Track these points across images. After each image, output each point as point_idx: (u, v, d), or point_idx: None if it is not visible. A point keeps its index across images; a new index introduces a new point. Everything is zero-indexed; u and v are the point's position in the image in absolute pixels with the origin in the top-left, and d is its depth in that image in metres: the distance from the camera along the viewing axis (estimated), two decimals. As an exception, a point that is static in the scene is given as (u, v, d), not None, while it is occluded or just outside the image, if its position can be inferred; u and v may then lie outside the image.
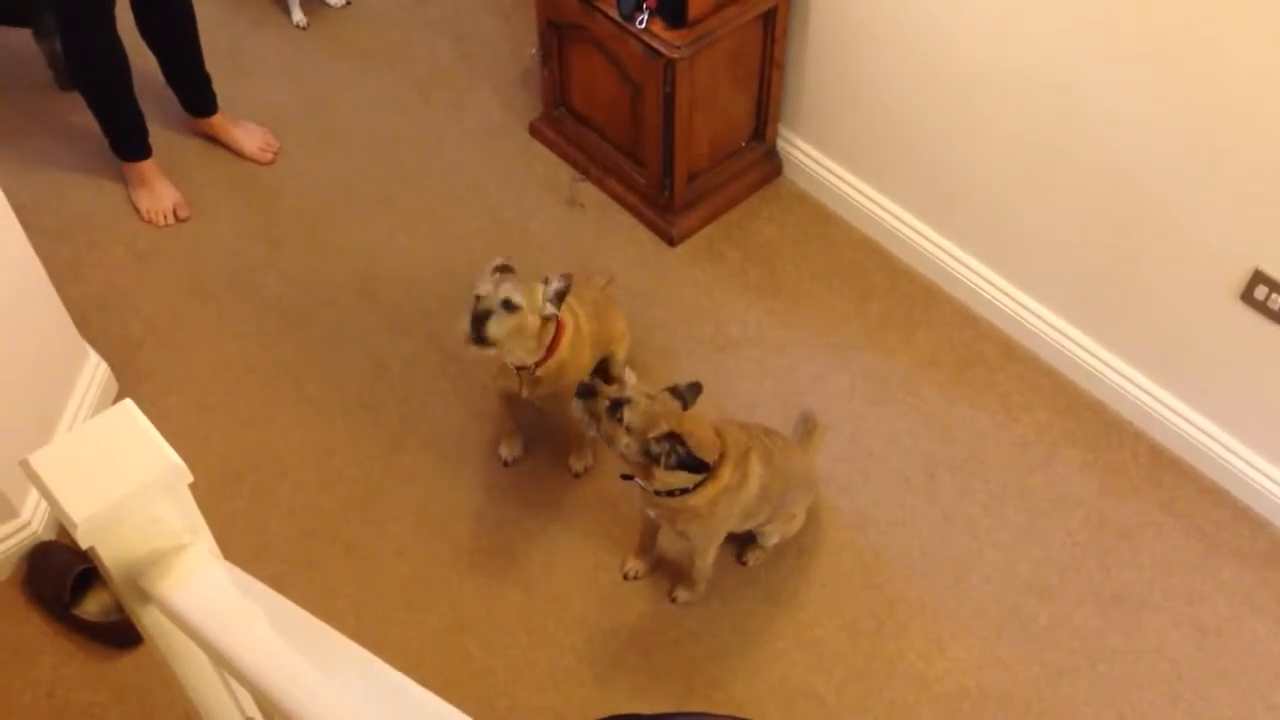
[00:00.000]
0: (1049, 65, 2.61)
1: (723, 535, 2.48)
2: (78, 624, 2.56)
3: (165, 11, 3.19)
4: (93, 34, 2.99)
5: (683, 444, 2.19)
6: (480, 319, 2.35)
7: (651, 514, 2.44)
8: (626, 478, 2.37)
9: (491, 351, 2.40)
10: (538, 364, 2.51)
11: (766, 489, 2.40)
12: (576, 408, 2.28)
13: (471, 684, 2.53)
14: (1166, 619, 2.64)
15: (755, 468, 2.36)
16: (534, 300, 2.41)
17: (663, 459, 2.20)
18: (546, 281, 2.44)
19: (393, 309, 3.15)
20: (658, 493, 2.31)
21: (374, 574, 2.69)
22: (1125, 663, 2.58)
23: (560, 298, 2.45)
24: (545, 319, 2.45)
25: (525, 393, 2.59)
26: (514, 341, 2.41)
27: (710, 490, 2.29)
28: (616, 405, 2.22)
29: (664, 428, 2.20)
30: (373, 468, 2.85)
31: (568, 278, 2.45)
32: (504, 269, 2.46)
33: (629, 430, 2.21)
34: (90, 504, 1.28)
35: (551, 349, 2.51)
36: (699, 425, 2.26)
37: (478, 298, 2.38)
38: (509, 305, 2.37)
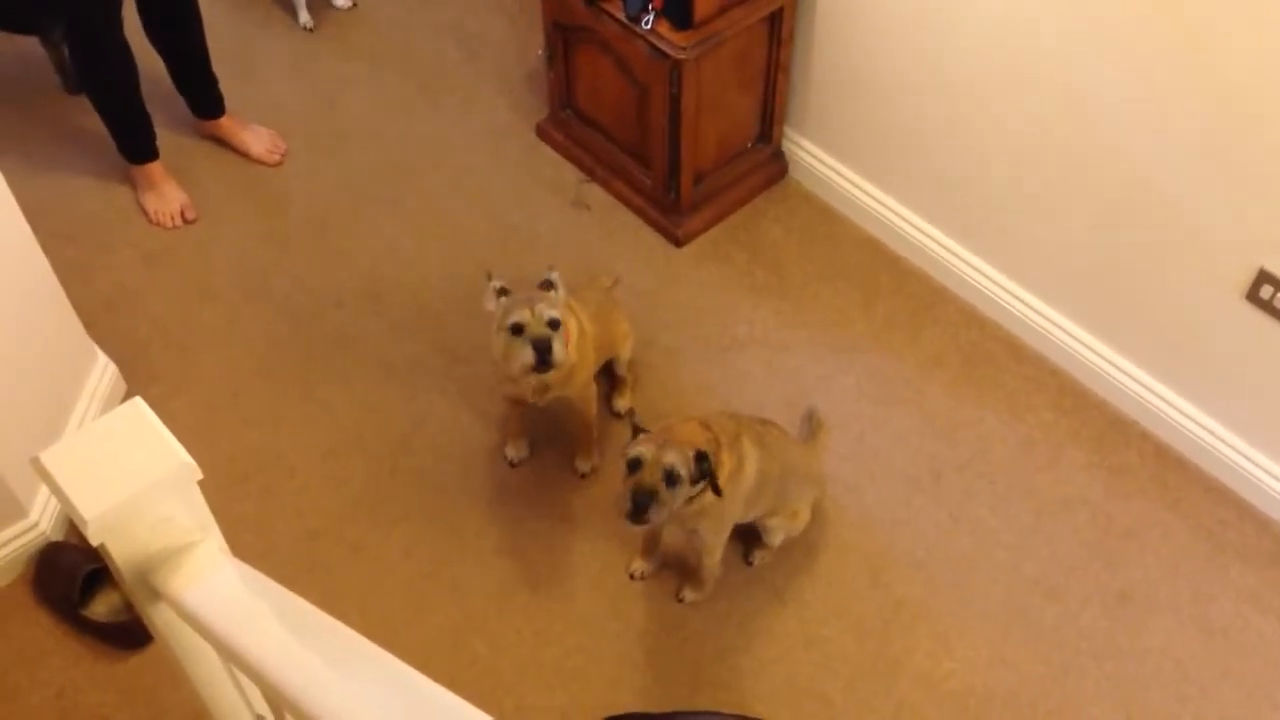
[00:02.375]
0: (1055, 66, 2.62)
1: (730, 528, 2.49)
2: (86, 625, 2.57)
3: (172, 15, 3.21)
4: (100, 37, 3.00)
5: (705, 458, 2.22)
6: (543, 346, 2.37)
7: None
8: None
9: (552, 374, 2.43)
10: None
11: (764, 473, 2.41)
12: (652, 514, 2.22)
13: (478, 683, 2.53)
14: (1173, 619, 2.64)
15: (749, 451, 2.38)
16: (563, 310, 2.45)
17: (704, 473, 2.22)
18: (553, 287, 2.47)
19: (399, 310, 3.16)
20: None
21: (381, 574, 2.69)
22: (1132, 662, 2.58)
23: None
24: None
25: (532, 398, 2.60)
26: (567, 355, 2.44)
27: (719, 481, 2.30)
28: (670, 478, 2.21)
29: (689, 451, 2.21)
30: (380, 469, 2.86)
31: (553, 271, 2.49)
32: (504, 291, 2.49)
33: (688, 478, 2.22)
34: (101, 501, 1.28)
35: None
36: (685, 426, 2.29)
37: (518, 327, 2.38)
38: (555, 324, 2.40)
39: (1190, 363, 2.78)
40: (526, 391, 2.59)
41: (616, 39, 3.00)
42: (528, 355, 2.38)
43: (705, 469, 2.22)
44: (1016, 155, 2.83)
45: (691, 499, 2.28)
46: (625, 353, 2.90)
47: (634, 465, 2.22)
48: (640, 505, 2.19)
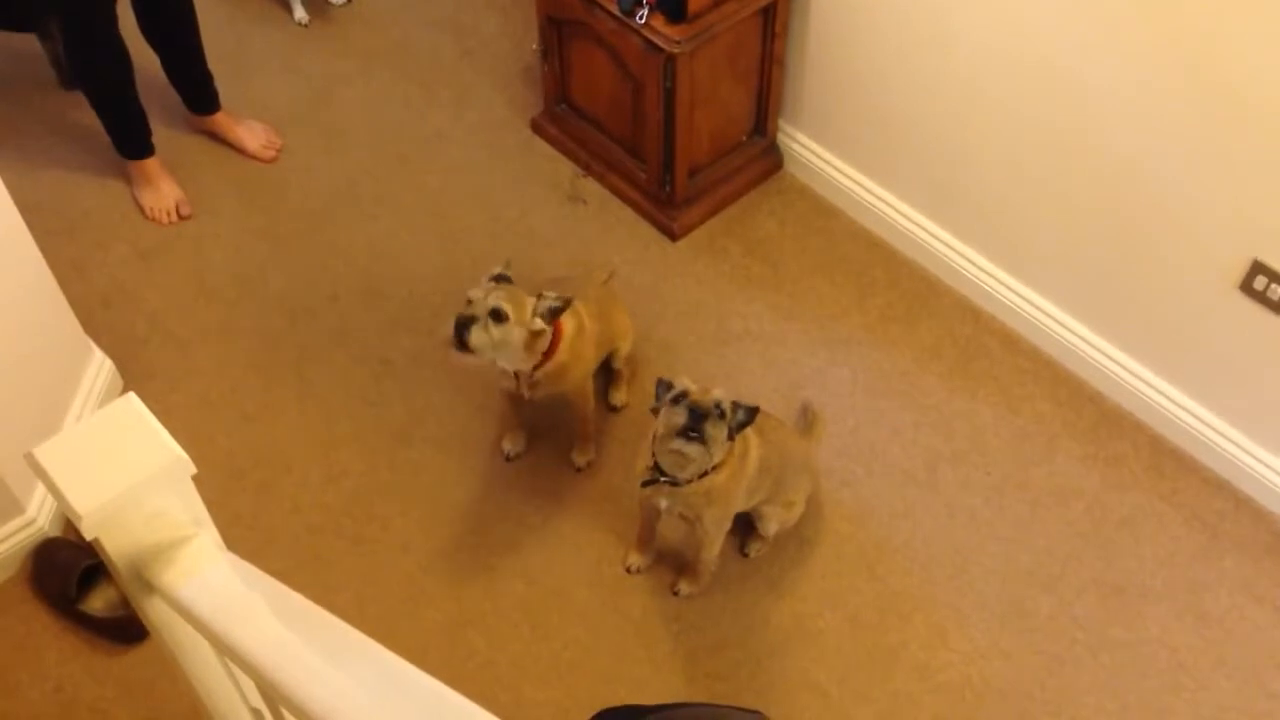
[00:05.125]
0: (1049, 56, 2.62)
1: (731, 518, 2.51)
2: (84, 620, 2.58)
3: (167, 10, 3.20)
4: (95, 33, 3.00)
5: (752, 410, 2.28)
6: (463, 326, 2.34)
7: (663, 505, 2.45)
8: (650, 483, 2.38)
9: (471, 359, 2.38)
10: (535, 368, 2.51)
11: (765, 460, 2.44)
12: (690, 449, 2.24)
13: (475, 677, 2.54)
14: (1168, 609, 2.65)
15: (752, 438, 2.40)
16: (522, 313, 2.39)
17: (740, 415, 2.27)
18: (540, 296, 2.43)
19: (396, 305, 3.16)
20: (690, 479, 2.34)
21: (378, 568, 2.70)
22: (1127, 652, 2.59)
23: (553, 315, 2.44)
24: (535, 332, 2.43)
25: (526, 393, 2.60)
26: (497, 351, 2.40)
27: (729, 465, 2.33)
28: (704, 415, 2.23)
29: (717, 395, 2.26)
30: (377, 463, 2.86)
31: (567, 300, 2.45)
32: (501, 278, 2.46)
33: (728, 424, 2.26)
34: (95, 496, 1.29)
35: (549, 354, 2.51)
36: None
37: (468, 302, 2.38)
38: (497, 315, 2.36)
39: (1185, 354, 2.78)
40: (518, 385, 2.58)
41: (610, 33, 3.00)
42: (448, 328, 2.35)
43: (742, 420, 2.26)
44: (1011, 148, 2.84)
45: (704, 474, 2.31)
46: (625, 347, 2.91)
47: (679, 397, 2.24)
48: (697, 417, 2.20)
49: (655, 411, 2.30)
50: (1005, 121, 2.81)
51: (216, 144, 3.52)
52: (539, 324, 2.42)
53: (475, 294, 2.38)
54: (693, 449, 2.24)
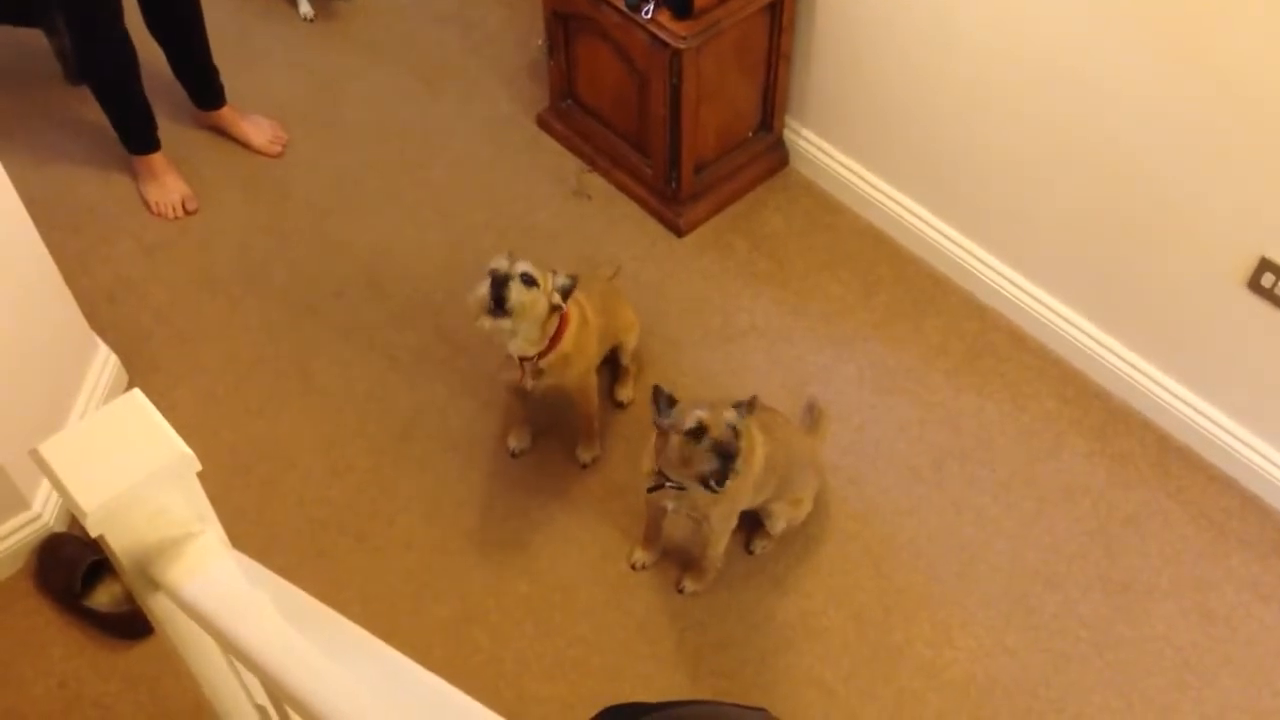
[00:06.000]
0: (1056, 53, 2.61)
1: (737, 516, 2.50)
2: (89, 615, 2.58)
3: (172, 5, 3.20)
4: (100, 28, 3.00)
5: (739, 408, 2.26)
6: (501, 284, 2.34)
7: (670, 505, 2.45)
8: (656, 488, 2.37)
9: (506, 323, 2.38)
10: (540, 355, 2.51)
11: (771, 458, 2.43)
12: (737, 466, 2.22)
13: (480, 674, 2.54)
14: (1174, 607, 2.64)
15: (756, 434, 2.39)
16: (545, 283, 2.43)
17: (739, 438, 2.24)
18: (555, 273, 2.46)
19: (401, 301, 3.16)
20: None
21: (382, 565, 2.70)
22: (1132, 650, 2.58)
23: (565, 294, 2.46)
24: (552, 307, 2.45)
25: (528, 384, 2.60)
26: (527, 317, 2.41)
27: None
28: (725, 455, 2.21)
29: (732, 409, 2.24)
30: (381, 459, 2.86)
31: (574, 278, 2.47)
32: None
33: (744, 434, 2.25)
34: (99, 492, 1.28)
35: (554, 341, 2.51)
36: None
37: (494, 270, 2.38)
38: (528, 280, 2.38)
39: (1192, 351, 2.77)
40: (521, 374, 2.57)
41: (616, 28, 3.00)
42: (483, 290, 2.36)
43: (744, 414, 2.25)
44: (1018, 144, 2.83)
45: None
46: (631, 342, 2.90)
47: (698, 431, 2.20)
48: (727, 458, 2.17)
49: (659, 428, 2.29)
50: (1010, 118, 2.80)
51: (222, 139, 3.52)
52: (556, 298, 2.45)
53: (500, 262, 2.39)
54: (724, 487, 2.23)
